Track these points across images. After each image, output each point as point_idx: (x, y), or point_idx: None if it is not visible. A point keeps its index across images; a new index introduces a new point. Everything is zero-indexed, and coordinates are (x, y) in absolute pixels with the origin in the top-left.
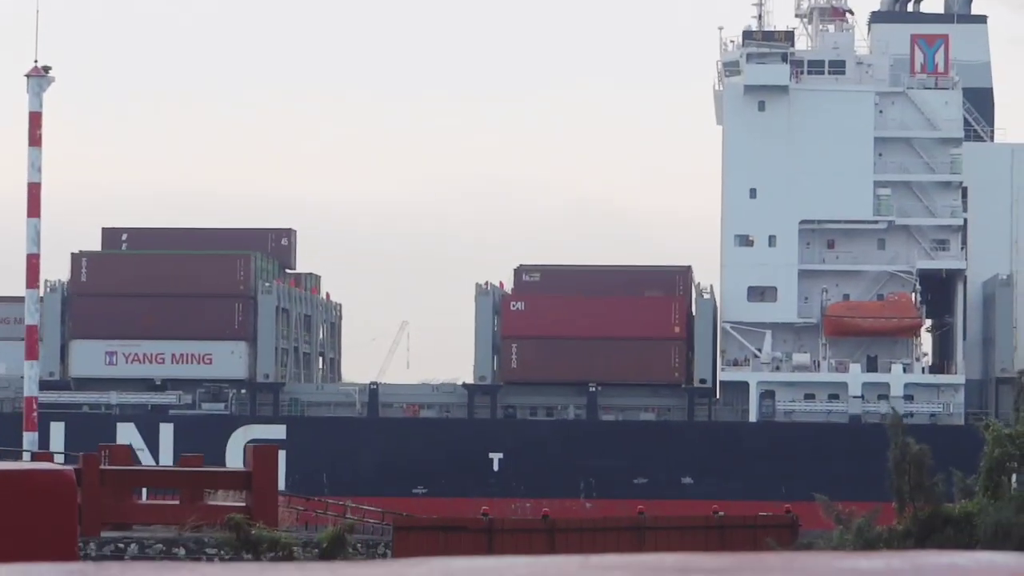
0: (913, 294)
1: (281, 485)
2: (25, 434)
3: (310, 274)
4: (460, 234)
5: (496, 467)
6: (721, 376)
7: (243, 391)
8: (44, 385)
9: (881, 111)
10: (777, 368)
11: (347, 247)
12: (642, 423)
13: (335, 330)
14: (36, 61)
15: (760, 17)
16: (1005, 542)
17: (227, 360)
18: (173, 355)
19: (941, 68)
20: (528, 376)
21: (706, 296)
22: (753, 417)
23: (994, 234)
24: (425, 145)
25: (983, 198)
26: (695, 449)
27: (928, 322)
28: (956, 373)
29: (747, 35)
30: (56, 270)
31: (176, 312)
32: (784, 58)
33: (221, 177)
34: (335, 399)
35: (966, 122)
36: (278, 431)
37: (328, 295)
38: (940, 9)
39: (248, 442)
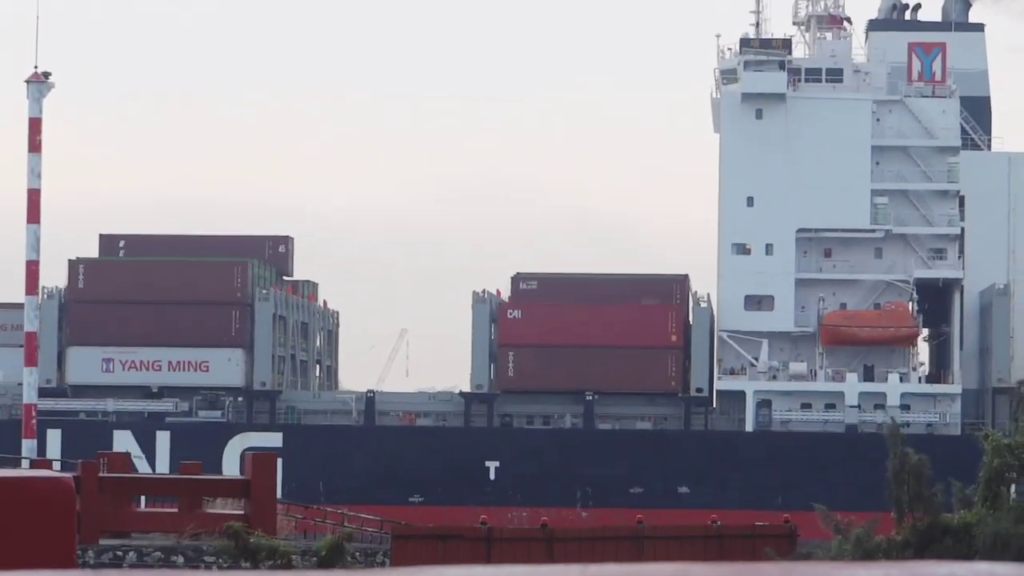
0: (910, 303)
1: (277, 493)
2: (24, 441)
3: (307, 281)
4: (457, 242)
5: (493, 476)
6: (718, 385)
7: (240, 399)
8: (41, 392)
9: (878, 119)
10: (774, 377)
11: (345, 255)
12: (639, 432)
13: (332, 338)
14: (36, 67)
15: (758, 25)
16: (1004, 553)
17: (224, 367)
18: (170, 362)
19: (938, 76)
20: (525, 384)
21: (703, 305)
22: (750, 426)
23: (991, 243)
24: (424, 146)
25: (980, 207)
26: (692, 458)
27: (925, 331)
28: (953, 383)
29: (744, 43)
30: (53, 277)
31: (173, 319)
32: (781, 66)
33: (219, 184)
34: (332, 407)
35: (963, 131)
36: (274, 439)
37: (325, 303)
38: (938, 17)
39: (245, 450)
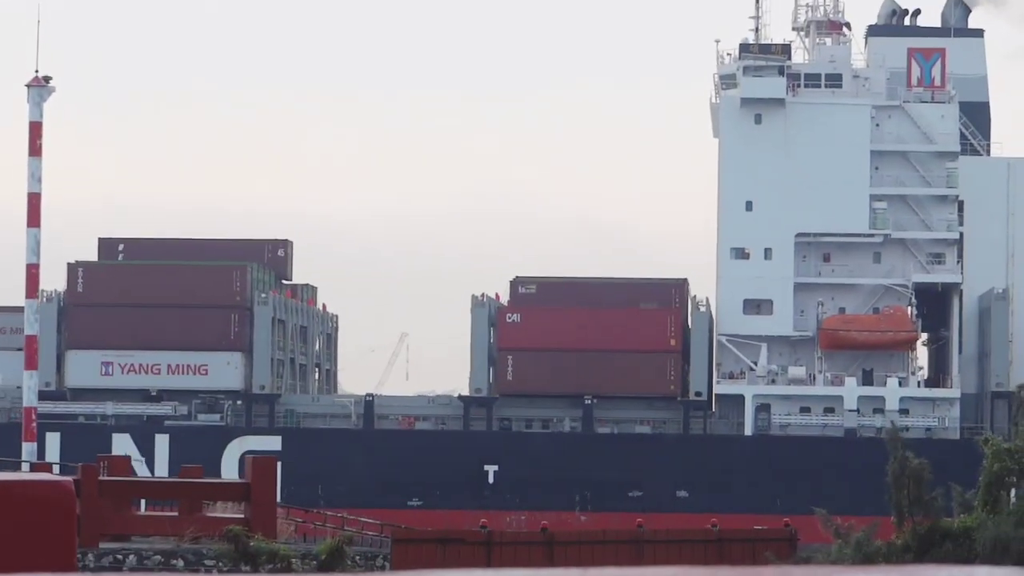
0: (909, 308)
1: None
2: (24, 444)
3: (306, 285)
4: (457, 246)
5: (491, 479)
6: (717, 389)
7: (239, 402)
8: (40, 395)
9: (878, 124)
10: (773, 381)
11: (344, 258)
12: (637, 436)
13: (331, 341)
14: (37, 71)
15: (757, 30)
16: (1004, 557)
17: (223, 371)
18: (169, 366)
19: (938, 82)
20: (524, 388)
21: (702, 309)
22: (748, 430)
23: (990, 248)
24: (425, 146)
25: (979, 212)
26: (690, 462)
27: (924, 336)
28: (952, 387)
29: (744, 48)
30: (52, 280)
31: (172, 323)
32: (781, 71)
33: (219, 187)
34: (331, 410)
35: (962, 136)
36: (273, 442)
37: (324, 306)
38: (937, 23)
39: (243, 453)
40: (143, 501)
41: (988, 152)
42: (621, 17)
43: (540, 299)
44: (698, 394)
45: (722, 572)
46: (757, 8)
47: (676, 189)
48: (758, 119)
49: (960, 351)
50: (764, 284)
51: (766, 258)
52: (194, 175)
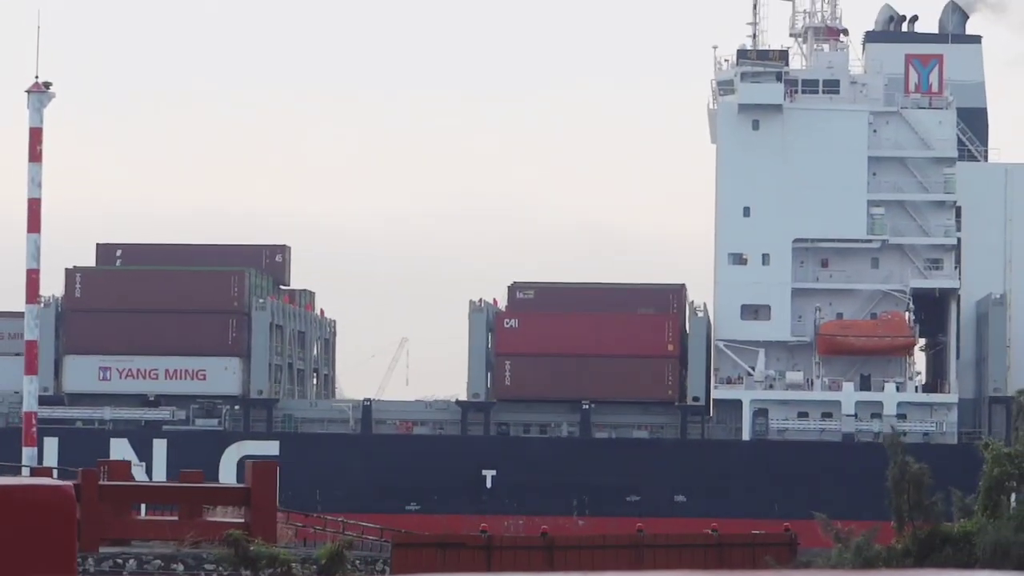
0: (906, 313)
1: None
2: (24, 449)
3: (304, 290)
4: (455, 251)
5: (489, 484)
6: (714, 394)
7: (237, 407)
8: (38, 400)
9: (875, 130)
10: (770, 386)
11: (342, 264)
12: (635, 441)
13: (329, 347)
14: (37, 77)
15: (755, 36)
16: (1004, 561)
17: (221, 376)
18: (167, 371)
19: (935, 88)
20: (521, 393)
21: (699, 314)
22: (746, 435)
23: (987, 253)
24: (424, 147)
25: (977, 218)
26: (688, 467)
27: (921, 341)
28: (949, 392)
29: (741, 54)
30: (50, 286)
31: (170, 328)
32: (778, 77)
33: (217, 192)
34: (329, 415)
35: (960, 142)
36: (271, 447)
37: (322, 311)
38: (935, 29)
39: (241, 458)
40: (143, 506)
41: (986, 158)
42: (621, 18)
43: (538, 304)
44: (696, 399)
45: None
46: (755, 14)
47: (676, 192)
48: (756, 125)
49: (958, 356)
50: (762, 289)
51: (764, 264)
52: (194, 176)
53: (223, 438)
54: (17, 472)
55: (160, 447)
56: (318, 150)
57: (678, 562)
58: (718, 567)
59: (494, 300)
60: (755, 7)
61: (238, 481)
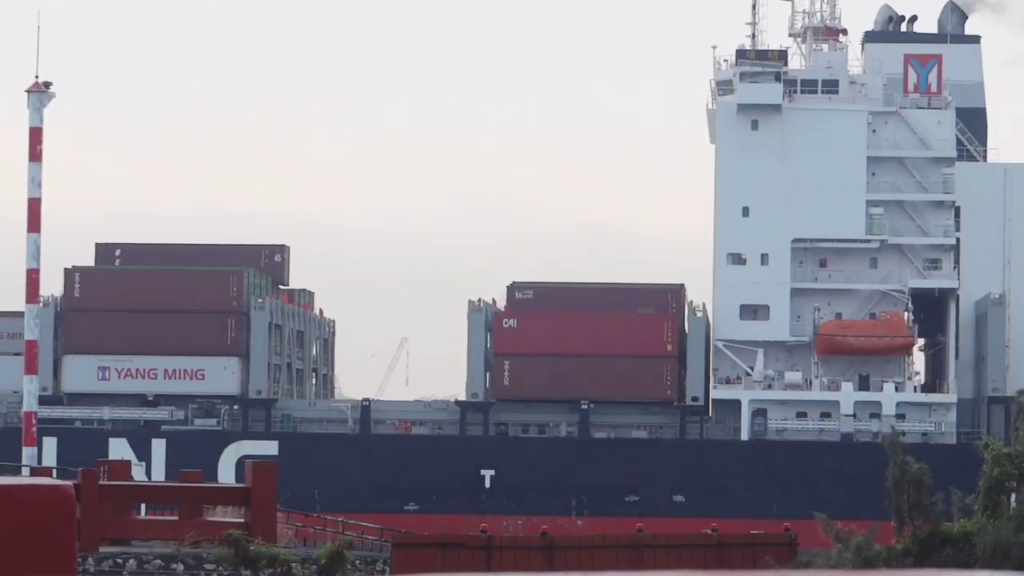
0: (905, 313)
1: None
2: (24, 449)
3: (303, 290)
4: (455, 251)
5: (488, 484)
6: (713, 394)
7: (235, 407)
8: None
9: (874, 130)
10: (769, 386)
11: (341, 263)
12: (634, 441)
13: (328, 346)
14: (37, 77)
15: (754, 36)
16: (1004, 561)
17: (219, 376)
18: (166, 370)
19: (934, 88)
20: (520, 393)
21: (698, 314)
22: (745, 435)
23: (986, 253)
24: (424, 147)
25: (976, 218)
26: (687, 467)
27: (920, 341)
28: (948, 392)
29: (740, 54)
30: (49, 285)
31: (169, 328)
32: (777, 77)
33: (216, 192)
34: (327, 415)
35: (959, 142)
36: (270, 447)
37: (321, 311)
38: (934, 29)
39: (240, 458)
40: (143, 505)
41: (984, 158)
42: (621, 18)
43: (537, 304)
44: (695, 399)
45: None
46: (754, 14)
47: (675, 192)
48: (755, 125)
49: (956, 356)
50: (761, 289)
51: (763, 264)
52: (194, 176)
53: (222, 438)
54: (17, 472)
55: (159, 447)
56: (318, 150)
57: (678, 562)
58: (718, 567)
59: (493, 300)
60: (754, 7)
61: (237, 481)
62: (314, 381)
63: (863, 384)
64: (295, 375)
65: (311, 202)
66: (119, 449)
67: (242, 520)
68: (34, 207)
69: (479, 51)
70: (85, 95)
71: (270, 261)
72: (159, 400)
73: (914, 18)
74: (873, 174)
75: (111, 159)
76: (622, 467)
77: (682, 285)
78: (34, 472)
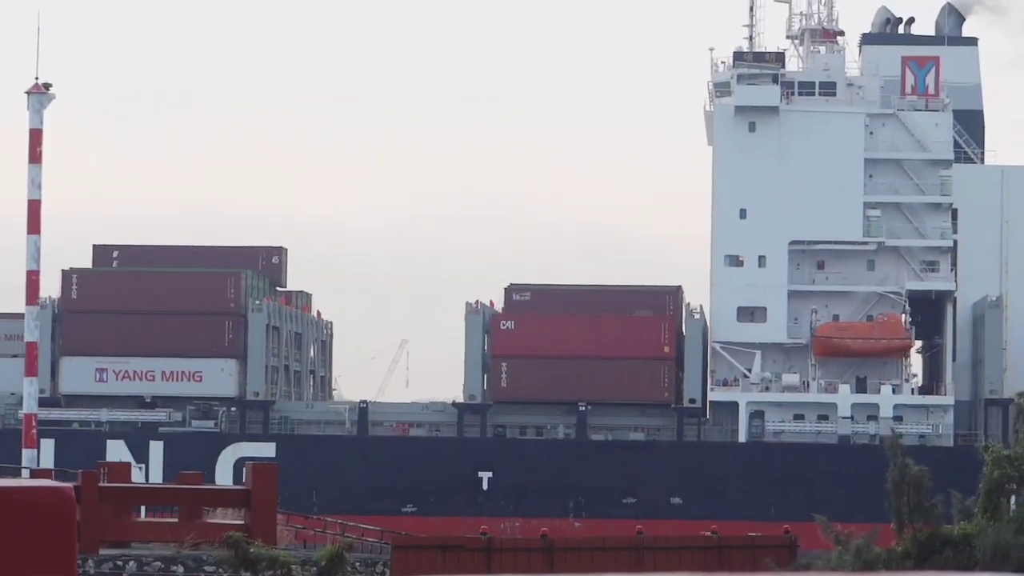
0: (903, 315)
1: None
2: (24, 451)
3: (301, 292)
4: (455, 251)
5: (486, 486)
6: (710, 396)
7: (233, 409)
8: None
9: (871, 132)
10: (766, 388)
11: (339, 265)
12: (631, 443)
13: (326, 348)
14: (37, 78)
15: (751, 38)
16: (1004, 564)
17: (217, 377)
18: (163, 372)
19: (932, 90)
20: (518, 395)
21: (696, 316)
22: (742, 437)
23: (984, 256)
24: (424, 147)
25: (973, 220)
26: (684, 469)
27: (918, 343)
28: (945, 394)
29: (738, 56)
30: (47, 287)
31: (166, 329)
32: (775, 79)
33: (215, 194)
34: (325, 417)
35: (956, 144)
36: (268, 449)
37: (319, 313)
38: (931, 31)
39: (238, 460)
40: (143, 507)
41: (982, 160)
42: (621, 18)
43: (534, 306)
44: (692, 401)
45: None
46: (751, 16)
47: (675, 192)
48: (752, 127)
49: (954, 358)
50: (758, 292)
51: (760, 266)
52: (193, 176)
53: (219, 440)
54: (17, 474)
55: (156, 449)
56: (318, 150)
57: (678, 564)
58: (718, 569)
59: (491, 302)
60: (752, 9)
61: (234, 483)
62: (312, 383)
63: (860, 386)
64: (293, 377)
65: (311, 202)
66: (117, 451)
67: (242, 522)
68: (34, 209)
69: (479, 51)
70: (85, 96)
71: (267, 263)
72: (157, 402)
73: (911, 20)
74: (870, 176)
75: (111, 160)
76: (620, 469)
77: (679, 287)
78: (34, 474)
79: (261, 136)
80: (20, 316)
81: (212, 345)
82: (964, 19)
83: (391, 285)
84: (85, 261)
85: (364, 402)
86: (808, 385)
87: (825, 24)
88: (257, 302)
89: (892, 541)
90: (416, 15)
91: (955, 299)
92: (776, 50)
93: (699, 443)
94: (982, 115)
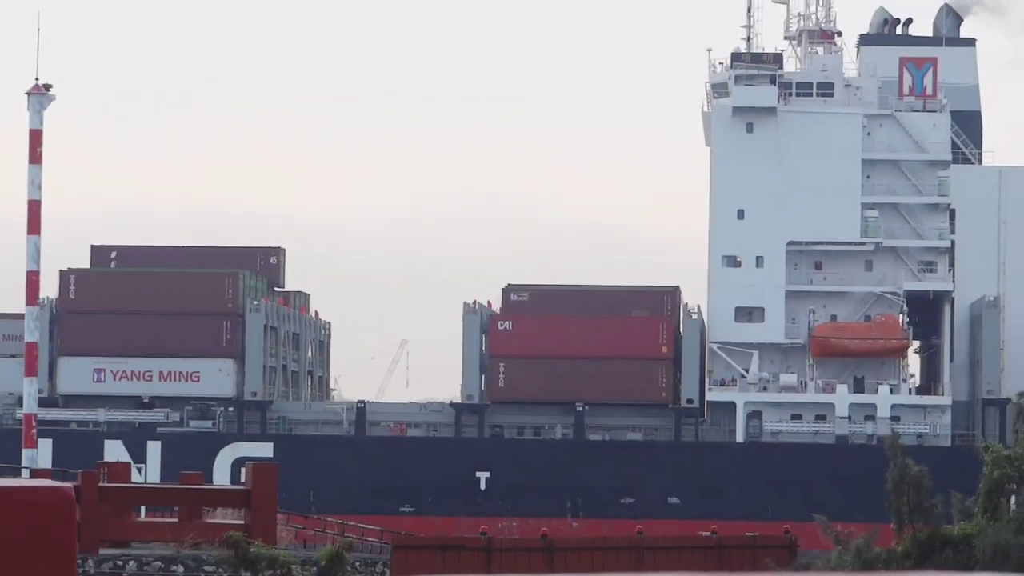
0: (900, 315)
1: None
2: (24, 451)
3: (299, 292)
4: (455, 251)
5: (483, 486)
6: (708, 396)
7: (231, 409)
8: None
9: (869, 133)
10: (764, 388)
11: (338, 265)
12: (629, 443)
13: (324, 348)
14: (37, 79)
15: (749, 39)
16: (1004, 563)
17: (215, 378)
18: (161, 372)
19: (929, 91)
20: (516, 395)
21: (694, 316)
22: (740, 437)
23: (981, 256)
24: (425, 146)
25: (971, 220)
26: (682, 469)
27: (915, 343)
28: (943, 394)
29: (736, 57)
30: (45, 287)
31: (164, 330)
32: (772, 80)
33: (218, 189)
34: (323, 417)
35: (954, 144)
36: (265, 449)
37: (317, 313)
38: (929, 32)
39: (236, 460)
40: (143, 507)
41: (980, 161)
42: (621, 19)
43: (532, 306)
44: (690, 401)
45: None
46: (749, 17)
47: (675, 192)
48: (750, 128)
49: (951, 359)
50: (756, 292)
51: (758, 266)
52: (193, 176)
53: (217, 440)
54: (16, 474)
55: (154, 449)
56: (318, 150)
57: (678, 564)
58: (718, 569)
59: (488, 302)
60: (749, 10)
61: (231, 483)
62: (309, 383)
63: (858, 386)
64: (290, 377)
65: (311, 202)
66: (114, 451)
67: (242, 522)
68: (34, 209)
69: (479, 51)
70: (85, 96)
71: (265, 263)
72: (154, 402)
73: (909, 21)
74: (868, 177)
75: (110, 160)
76: (617, 469)
77: (677, 287)
78: (33, 474)
79: (261, 136)
80: (19, 316)
81: (210, 345)
82: (962, 20)
83: (391, 285)
84: (83, 261)
85: (362, 402)
86: (806, 385)
87: (823, 25)
88: (255, 302)
89: (892, 541)
90: (416, 15)
91: (953, 299)
92: (774, 51)
93: (697, 443)
94: (980, 116)
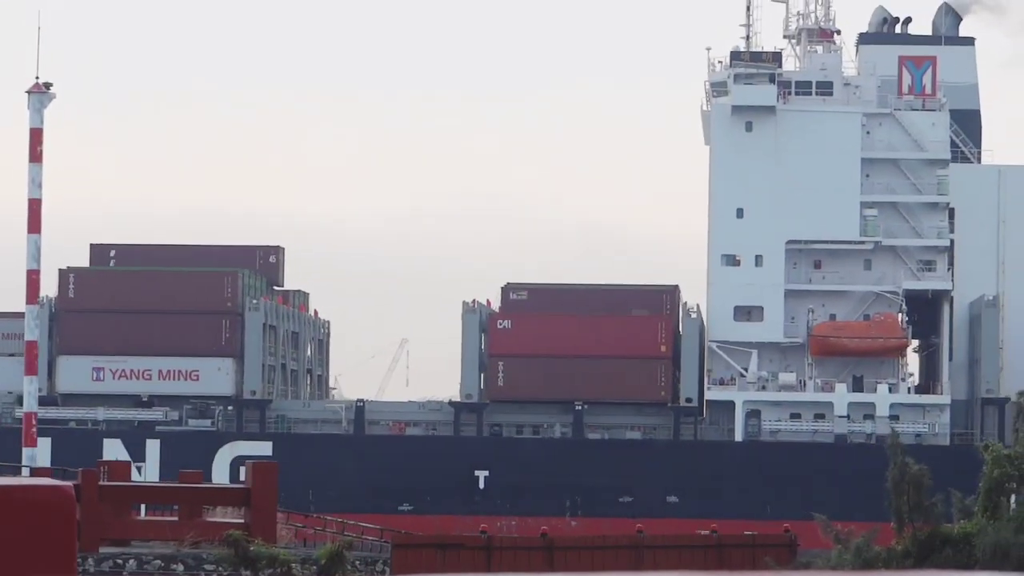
0: (899, 314)
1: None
2: (24, 450)
3: (298, 291)
4: (455, 251)
5: (482, 485)
6: (707, 395)
7: (230, 408)
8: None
9: (868, 132)
10: (763, 387)
11: (337, 264)
12: (628, 442)
13: (323, 347)
14: (37, 77)
15: (748, 38)
16: (1004, 562)
17: (214, 376)
18: (160, 371)
19: (928, 90)
20: (514, 394)
21: (693, 315)
22: (739, 436)
23: (981, 255)
24: (424, 146)
25: (970, 219)
26: (681, 468)
27: (914, 343)
28: (942, 393)
29: (735, 56)
30: (44, 286)
31: (163, 328)
32: (772, 79)
33: (218, 189)
34: (322, 416)
35: (953, 143)
36: (264, 448)
37: (316, 312)
38: (928, 31)
39: (235, 458)
40: (143, 506)
41: (979, 160)
42: (621, 18)
43: (531, 305)
44: (689, 400)
45: None
46: (748, 16)
47: (675, 192)
48: (749, 127)
49: (950, 358)
50: (755, 291)
51: (757, 265)
52: (193, 176)
53: (216, 439)
54: (17, 472)
55: (153, 447)
56: (318, 150)
57: (678, 563)
58: (718, 568)
59: (487, 301)
60: (749, 9)
61: (231, 481)
62: (309, 382)
63: (857, 385)
64: (290, 376)
65: (311, 202)
66: (113, 450)
67: (242, 520)
68: (34, 208)
69: (479, 51)
70: (85, 95)
71: (265, 262)
72: (153, 401)
73: (908, 20)
74: (867, 176)
75: (110, 159)
76: (616, 468)
77: (676, 286)
78: (34, 472)
79: (261, 136)
80: (18, 315)
81: (209, 344)
82: (961, 19)
83: (391, 285)
84: (83, 260)
85: (361, 401)
86: (805, 384)
87: (822, 24)
88: (254, 301)
89: (892, 540)
90: (416, 15)
91: (952, 298)
92: (773, 50)
93: (695, 442)
94: (979, 115)
